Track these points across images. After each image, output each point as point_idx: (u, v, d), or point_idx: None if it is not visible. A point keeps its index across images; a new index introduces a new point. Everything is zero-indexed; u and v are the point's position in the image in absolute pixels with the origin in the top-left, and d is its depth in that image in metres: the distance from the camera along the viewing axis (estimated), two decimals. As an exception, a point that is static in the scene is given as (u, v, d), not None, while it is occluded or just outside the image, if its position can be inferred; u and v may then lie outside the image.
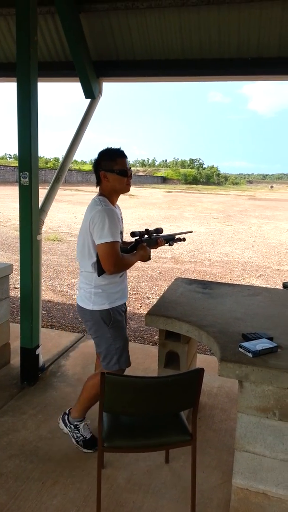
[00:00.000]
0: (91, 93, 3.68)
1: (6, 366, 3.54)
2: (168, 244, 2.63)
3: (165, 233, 2.61)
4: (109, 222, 2.17)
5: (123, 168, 2.28)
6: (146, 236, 2.50)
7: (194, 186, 67.55)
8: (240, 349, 1.91)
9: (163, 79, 3.67)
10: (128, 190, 2.35)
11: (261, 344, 1.90)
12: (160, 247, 2.65)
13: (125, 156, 2.32)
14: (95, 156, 2.35)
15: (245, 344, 1.91)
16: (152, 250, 2.52)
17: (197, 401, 1.93)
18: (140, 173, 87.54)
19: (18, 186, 3.10)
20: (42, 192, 3.23)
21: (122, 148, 2.34)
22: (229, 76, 3.46)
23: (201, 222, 16.52)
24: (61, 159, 3.73)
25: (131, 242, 2.50)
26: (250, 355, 1.85)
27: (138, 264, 8.53)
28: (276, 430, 1.85)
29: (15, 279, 5.84)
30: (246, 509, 1.98)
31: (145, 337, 4.60)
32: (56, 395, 3.12)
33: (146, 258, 2.44)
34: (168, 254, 9.63)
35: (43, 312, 5.18)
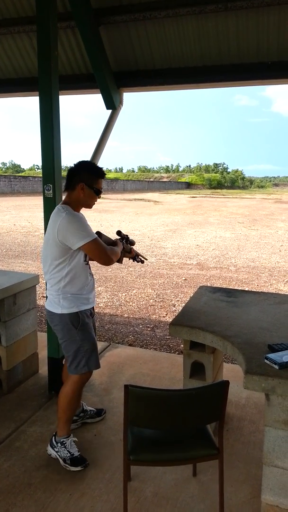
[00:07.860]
0: (112, 104, 3.72)
1: (34, 375, 3.58)
2: (133, 259, 2.78)
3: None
4: (78, 224, 2.31)
5: (100, 188, 2.46)
6: (127, 240, 2.73)
7: (218, 190, 67.07)
8: (266, 360, 1.86)
9: (183, 86, 3.67)
10: (90, 207, 2.53)
11: (288, 356, 1.85)
12: (125, 259, 2.75)
13: (104, 178, 2.51)
14: (75, 163, 2.45)
15: (271, 355, 1.86)
16: (126, 258, 2.73)
17: (223, 414, 1.89)
18: (165, 179, 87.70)
19: (43, 198, 3.18)
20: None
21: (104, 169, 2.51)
22: (248, 82, 3.42)
23: (226, 227, 16.35)
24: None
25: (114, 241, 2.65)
26: (276, 367, 1.80)
27: (164, 271, 8.53)
28: (306, 445, 1.79)
29: (43, 288, 5.93)
30: (276, 526, 1.91)
31: (171, 345, 4.57)
32: (83, 405, 3.12)
33: (121, 256, 2.58)
34: (194, 260, 9.57)
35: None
